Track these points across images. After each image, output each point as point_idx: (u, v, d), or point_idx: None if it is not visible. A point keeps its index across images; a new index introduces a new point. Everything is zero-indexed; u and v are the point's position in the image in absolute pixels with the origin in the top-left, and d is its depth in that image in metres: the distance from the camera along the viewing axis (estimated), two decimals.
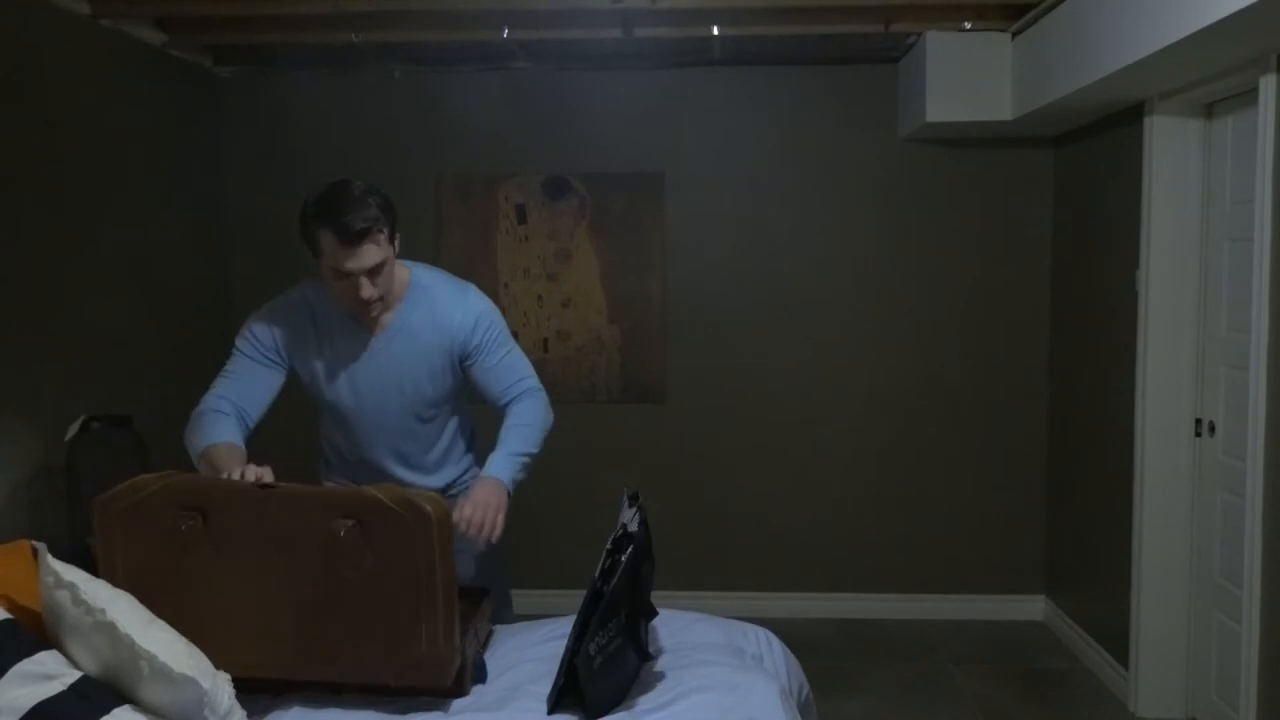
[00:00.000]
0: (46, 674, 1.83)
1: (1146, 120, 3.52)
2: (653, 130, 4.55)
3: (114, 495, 2.05)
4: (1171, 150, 3.48)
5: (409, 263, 2.51)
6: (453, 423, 2.61)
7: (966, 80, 3.97)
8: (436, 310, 2.47)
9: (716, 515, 4.64)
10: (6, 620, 1.92)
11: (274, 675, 2.10)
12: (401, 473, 2.55)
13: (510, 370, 2.54)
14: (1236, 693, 3.07)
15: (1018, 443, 4.58)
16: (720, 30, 3.92)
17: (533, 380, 2.57)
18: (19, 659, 1.83)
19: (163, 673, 1.82)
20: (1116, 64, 3.04)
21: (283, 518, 2.03)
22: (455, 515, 2.21)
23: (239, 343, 2.46)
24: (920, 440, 4.60)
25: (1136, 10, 2.89)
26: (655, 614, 2.29)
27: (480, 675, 2.21)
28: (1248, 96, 3.10)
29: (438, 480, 2.60)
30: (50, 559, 1.97)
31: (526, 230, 4.58)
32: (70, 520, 3.13)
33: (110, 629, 1.85)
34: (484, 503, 2.29)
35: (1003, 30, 3.94)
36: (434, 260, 4.58)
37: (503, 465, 2.40)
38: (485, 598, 2.39)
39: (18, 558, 2.18)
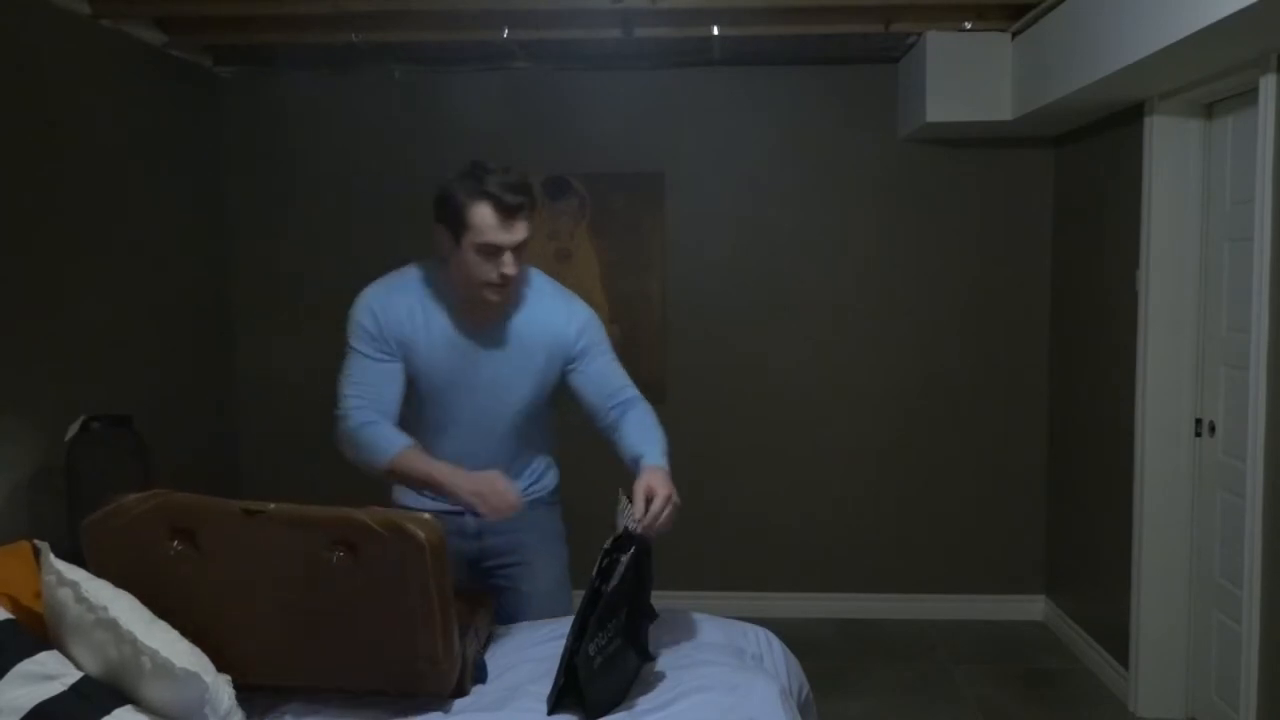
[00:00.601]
0: (47, 674, 1.83)
1: (1146, 120, 3.52)
2: (653, 130, 4.55)
3: (103, 516, 2.02)
4: (1171, 150, 3.48)
5: (531, 268, 2.49)
6: (538, 440, 2.58)
7: (966, 80, 3.97)
8: (545, 310, 2.46)
9: (716, 515, 4.64)
10: (7, 620, 1.92)
11: (269, 684, 2.10)
12: None
13: (616, 375, 2.51)
14: (1236, 693, 3.07)
15: (1018, 443, 4.58)
16: (720, 30, 3.92)
17: (635, 389, 2.52)
18: (20, 659, 1.83)
19: (165, 669, 1.82)
20: (1116, 64, 3.04)
21: (273, 541, 1.99)
22: (642, 510, 2.17)
23: (354, 341, 2.44)
24: (920, 440, 4.60)
25: (1136, 10, 2.89)
26: (656, 616, 2.29)
27: (480, 675, 2.21)
28: (1248, 96, 3.10)
29: (537, 486, 2.57)
30: (52, 558, 1.97)
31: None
32: (70, 520, 3.13)
33: (112, 626, 1.85)
34: (665, 494, 2.22)
35: (1003, 30, 3.94)
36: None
37: (655, 456, 2.34)
38: (485, 598, 2.39)
39: (18, 558, 2.18)
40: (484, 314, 2.40)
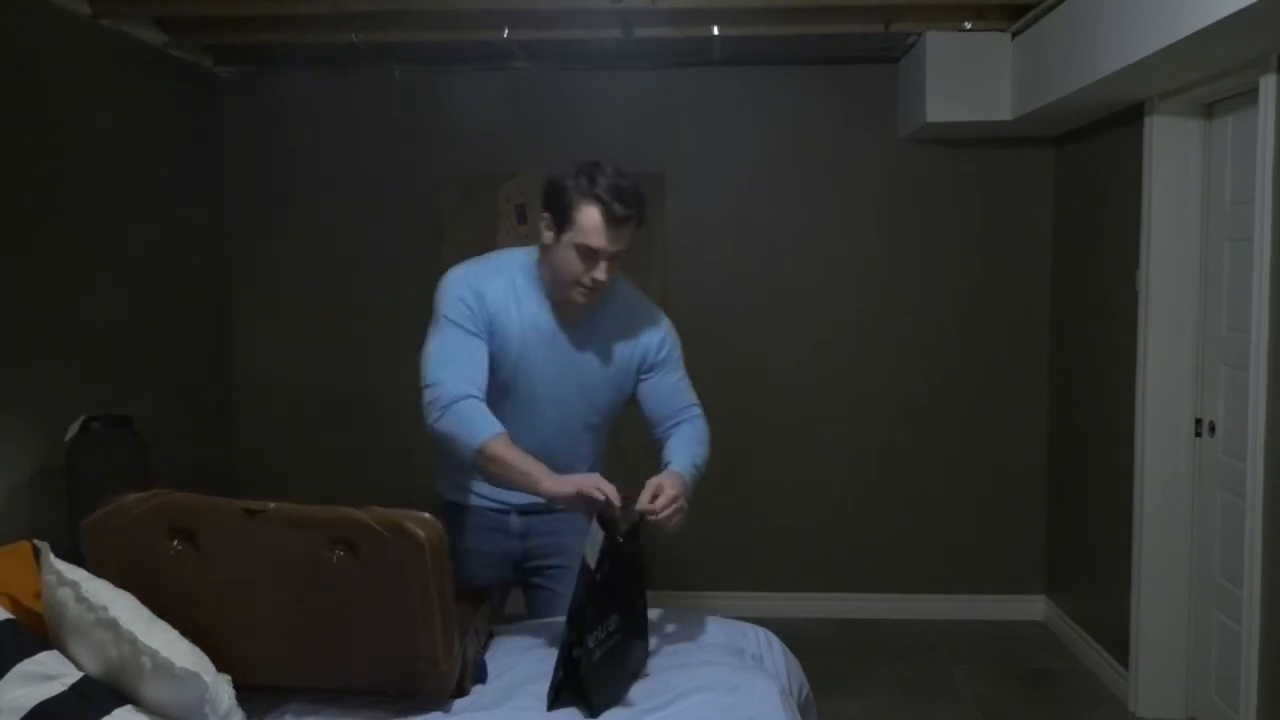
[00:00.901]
0: (47, 674, 1.83)
1: (1146, 120, 3.52)
2: (653, 130, 4.55)
3: (103, 516, 2.02)
4: (1171, 150, 3.48)
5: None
6: (598, 447, 2.57)
7: (966, 80, 3.98)
8: (631, 316, 2.47)
9: (716, 515, 4.64)
10: (7, 620, 1.92)
11: (269, 684, 2.10)
12: None
13: (686, 392, 2.53)
14: (1236, 693, 3.07)
15: (1018, 443, 4.58)
16: (720, 30, 3.92)
17: (698, 407, 2.54)
18: (20, 659, 1.83)
19: (165, 668, 1.82)
20: (1116, 64, 3.04)
21: (273, 541, 1.99)
22: (647, 503, 2.19)
23: (448, 312, 2.31)
24: (920, 440, 4.60)
25: (1136, 10, 2.89)
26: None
27: (480, 675, 2.21)
28: (1248, 96, 3.10)
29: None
30: (52, 558, 1.97)
31: (527, 230, 4.58)
32: (70, 520, 3.13)
33: (113, 626, 1.85)
34: (670, 495, 2.24)
35: (1003, 30, 3.94)
36: (435, 260, 4.60)
37: (682, 465, 2.37)
38: (485, 598, 2.39)
39: (18, 558, 2.18)
40: (576, 310, 2.38)
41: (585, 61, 4.45)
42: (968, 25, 3.90)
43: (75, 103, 3.52)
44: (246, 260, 4.68)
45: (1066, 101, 3.53)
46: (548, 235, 2.32)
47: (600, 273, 2.28)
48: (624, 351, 2.45)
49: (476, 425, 2.23)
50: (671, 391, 2.50)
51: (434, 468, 2.62)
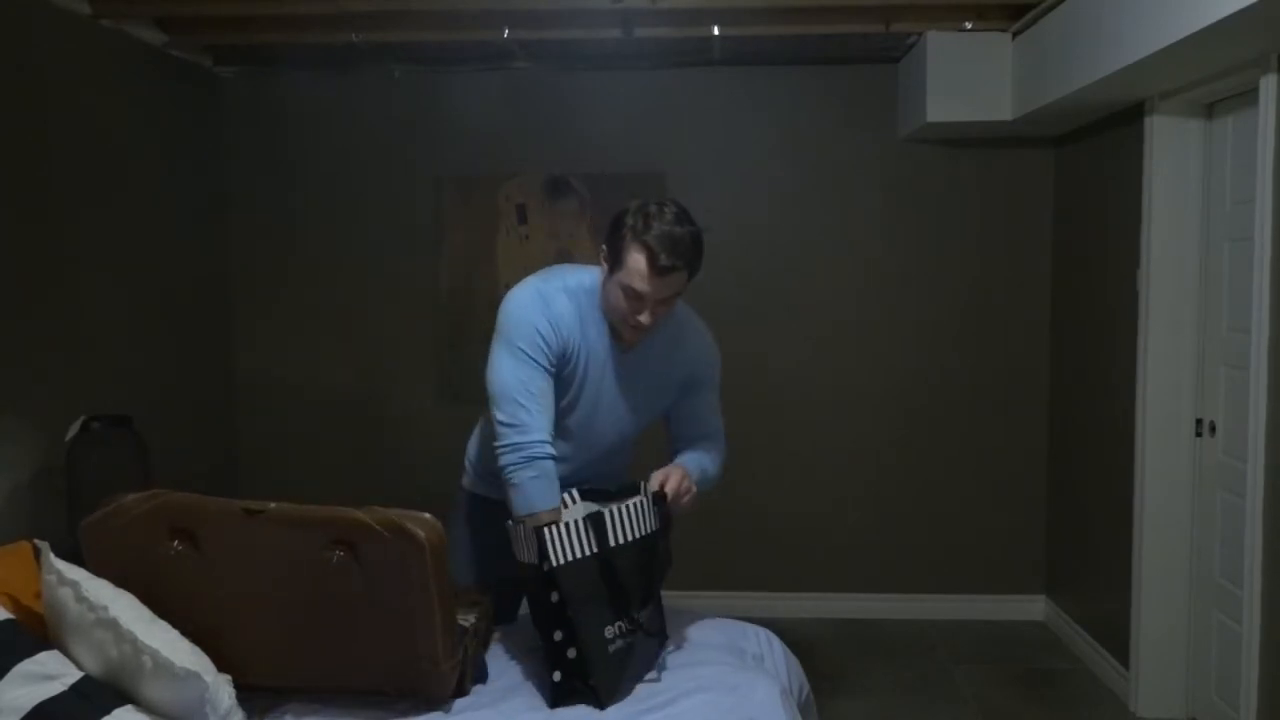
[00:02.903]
0: (47, 674, 1.83)
1: (1146, 120, 3.52)
2: (653, 130, 4.55)
3: (103, 516, 2.02)
4: (1171, 150, 3.48)
5: None
6: (629, 456, 2.59)
7: (966, 80, 3.97)
8: (686, 336, 2.47)
9: (716, 515, 4.63)
10: (8, 620, 1.92)
11: (269, 685, 2.10)
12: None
13: (714, 415, 2.53)
14: (1236, 693, 3.07)
15: (1018, 443, 4.58)
16: (720, 30, 3.92)
17: (720, 428, 2.54)
18: (20, 659, 1.83)
19: (165, 668, 1.82)
20: (1116, 64, 3.04)
21: (273, 541, 2.00)
22: (659, 484, 2.26)
23: (524, 343, 2.25)
24: (920, 440, 4.60)
25: (1136, 10, 2.89)
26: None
27: (480, 675, 2.21)
28: (1248, 96, 3.10)
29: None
30: (53, 558, 1.97)
31: (527, 230, 4.58)
32: (70, 520, 3.13)
33: (113, 625, 1.85)
34: (679, 476, 2.29)
35: (1003, 30, 3.94)
36: (435, 261, 4.61)
37: (692, 468, 2.39)
38: (485, 598, 2.39)
39: (18, 558, 2.18)
40: (635, 335, 2.35)
41: (585, 61, 4.45)
42: (968, 25, 3.90)
43: (75, 103, 3.52)
44: (246, 260, 4.68)
45: (1066, 101, 3.53)
46: (605, 268, 2.31)
47: (645, 317, 2.25)
48: (671, 372, 2.45)
49: (543, 495, 2.21)
50: (700, 412, 2.50)
51: (468, 461, 2.63)
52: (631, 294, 2.24)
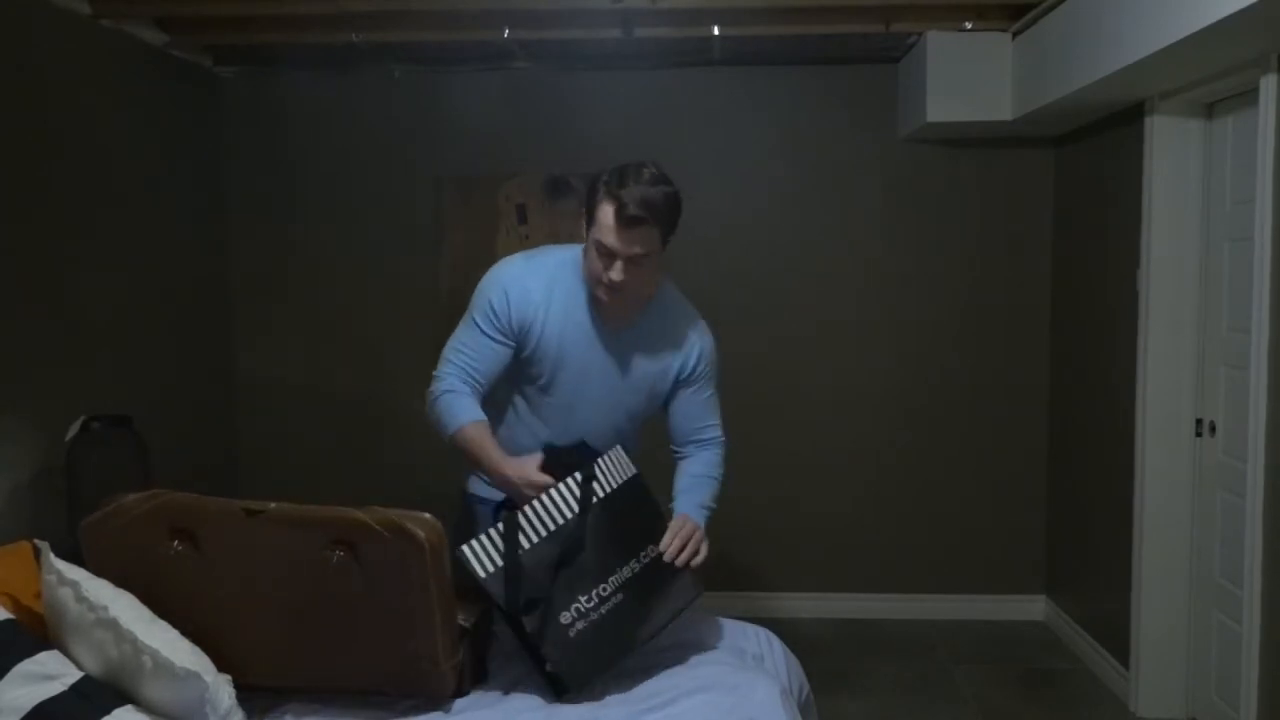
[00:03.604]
0: (47, 674, 1.83)
1: (1146, 120, 3.52)
2: (653, 130, 4.55)
3: (103, 517, 2.02)
4: (1171, 150, 3.48)
5: (665, 280, 2.49)
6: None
7: (966, 80, 3.97)
8: (677, 326, 2.46)
9: (717, 515, 4.63)
10: (8, 620, 1.92)
11: (269, 685, 2.10)
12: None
13: (711, 411, 2.54)
14: (1236, 693, 3.07)
15: (1018, 443, 4.58)
16: (720, 30, 3.92)
17: (721, 430, 2.56)
18: (20, 659, 1.83)
19: (166, 668, 1.82)
20: (1116, 64, 3.04)
21: (273, 541, 2.00)
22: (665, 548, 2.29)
23: (475, 313, 2.38)
24: (920, 440, 4.60)
25: (1136, 10, 2.89)
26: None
27: (480, 675, 2.21)
28: (1248, 96, 3.10)
29: None
30: (53, 558, 1.97)
31: (527, 230, 4.58)
32: (70, 520, 3.13)
33: (113, 625, 1.85)
34: (685, 534, 2.32)
35: (1003, 30, 3.94)
36: (435, 260, 4.61)
37: (694, 513, 2.41)
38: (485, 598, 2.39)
39: (18, 558, 2.18)
40: (614, 313, 2.38)
41: (585, 61, 4.44)
42: (968, 25, 3.90)
43: (75, 103, 3.52)
44: (246, 260, 4.67)
45: (1066, 101, 3.53)
46: (584, 231, 2.35)
47: (615, 273, 2.26)
48: (662, 361, 2.44)
49: (455, 413, 2.33)
50: (698, 409, 2.51)
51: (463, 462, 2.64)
52: (603, 250, 2.27)
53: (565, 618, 2.10)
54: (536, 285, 2.37)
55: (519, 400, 2.47)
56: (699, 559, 2.33)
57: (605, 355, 2.40)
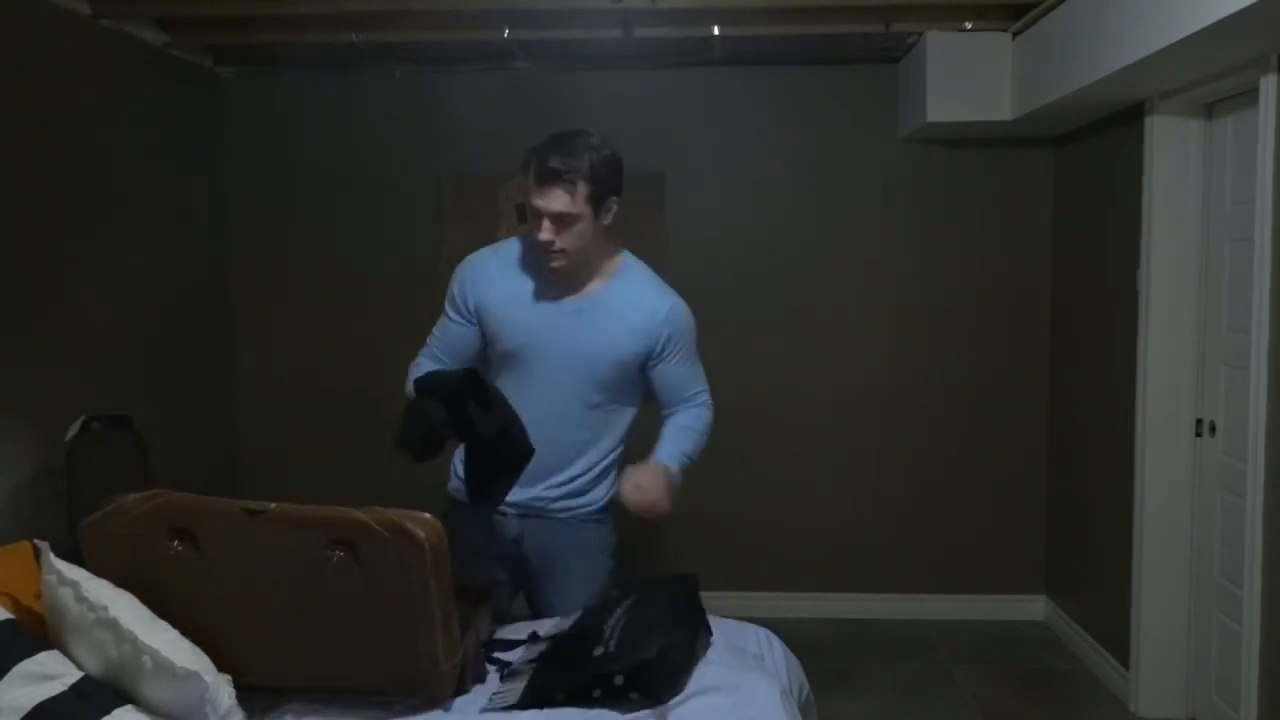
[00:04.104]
0: (47, 674, 1.83)
1: (1146, 120, 3.52)
2: (653, 130, 4.55)
3: (103, 517, 2.01)
4: (1171, 150, 3.48)
5: (625, 251, 2.55)
6: (607, 434, 2.55)
7: (966, 80, 3.97)
8: (643, 295, 2.49)
9: (716, 515, 4.64)
10: (8, 620, 1.92)
11: (269, 685, 2.10)
12: (543, 490, 2.50)
13: (694, 380, 2.58)
14: (1236, 693, 3.07)
15: (1018, 443, 4.58)
16: (720, 30, 3.92)
17: (704, 393, 2.60)
18: (20, 659, 1.83)
19: (166, 668, 1.82)
20: (1116, 64, 3.04)
21: (273, 541, 1.99)
22: (624, 495, 2.36)
23: (445, 301, 2.53)
24: (920, 440, 4.60)
25: (1136, 10, 2.89)
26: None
27: (480, 675, 2.21)
28: (1248, 96, 3.10)
29: (550, 491, 2.53)
30: (53, 557, 1.97)
31: (527, 230, 4.57)
32: (70, 520, 3.12)
33: (113, 625, 1.85)
34: (647, 487, 2.36)
35: (1003, 30, 3.94)
36: (435, 260, 4.60)
37: (669, 456, 2.45)
38: (485, 598, 2.39)
39: (18, 558, 2.18)
40: (566, 278, 2.43)
41: (585, 61, 4.44)
42: (968, 25, 3.90)
43: (75, 103, 3.52)
44: (246, 260, 4.67)
45: (1066, 101, 3.53)
46: None
47: (545, 233, 2.34)
48: (627, 332, 2.45)
49: (413, 374, 2.49)
50: (680, 379, 2.54)
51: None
52: (533, 212, 2.36)
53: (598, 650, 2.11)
54: (494, 265, 2.50)
55: (496, 378, 2.52)
56: (657, 504, 2.36)
57: (565, 327, 2.44)
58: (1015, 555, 4.60)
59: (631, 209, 4.49)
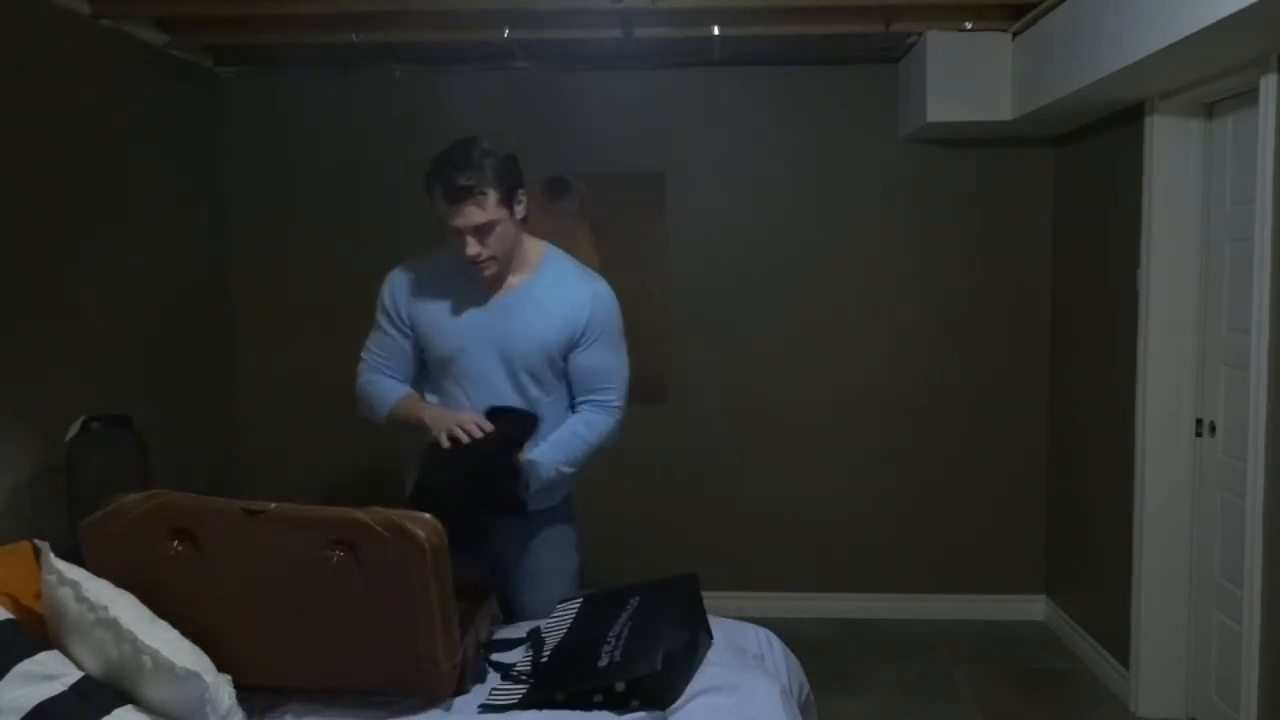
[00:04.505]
0: (48, 674, 1.83)
1: (1146, 120, 3.52)
2: (653, 130, 4.55)
3: (102, 518, 2.02)
4: (1171, 150, 3.48)
5: (546, 242, 2.58)
6: (555, 423, 2.56)
7: (966, 80, 3.97)
8: (564, 285, 2.50)
9: (716, 515, 4.64)
10: (8, 620, 1.92)
11: (269, 685, 2.10)
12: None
13: (607, 375, 2.54)
14: (1236, 693, 3.07)
15: (1018, 443, 4.58)
16: (720, 30, 3.92)
17: (616, 396, 2.55)
18: (20, 659, 1.83)
19: (166, 668, 1.82)
20: (1116, 64, 3.04)
21: (273, 541, 1.99)
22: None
23: (378, 312, 2.58)
24: (920, 440, 4.60)
25: (1136, 10, 2.89)
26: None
27: (480, 675, 2.21)
28: (1248, 96, 3.10)
29: (547, 496, 2.54)
30: (53, 558, 1.97)
31: (527, 230, 4.57)
32: (70, 520, 3.12)
33: (113, 625, 1.85)
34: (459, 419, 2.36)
35: (1003, 30, 3.94)
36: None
37: (544, 458, 2.44)
38: (485, 598, 2.39)
39: (19, 558, 2.18)
40: (493, 281, 2.46)
41: (585, 61, 4.44)
42: (968, 25, 3.90)
43: (75, 103, 3.52)
44: (246, 260, 4.67)
45: (1066, 101, 3.53)
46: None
47: (470, 249, 2.36)
48: (552, 322, 2.47)
49: (382, 394, 2.55)
50: (590, 371, 2.53)
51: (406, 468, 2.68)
52: (452, 231, 2.37)
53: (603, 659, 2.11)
54: (419, 271, 2.55)
55: (432, 385, 2.58)
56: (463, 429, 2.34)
57: (490, 325, 2.47)
58: (1015, 555, 4.60)
59: (631, 209, 4.56)
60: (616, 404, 2.55)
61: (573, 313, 2.47)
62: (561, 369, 2.52)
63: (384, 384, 2.57)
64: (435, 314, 2.50)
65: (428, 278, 2.53)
